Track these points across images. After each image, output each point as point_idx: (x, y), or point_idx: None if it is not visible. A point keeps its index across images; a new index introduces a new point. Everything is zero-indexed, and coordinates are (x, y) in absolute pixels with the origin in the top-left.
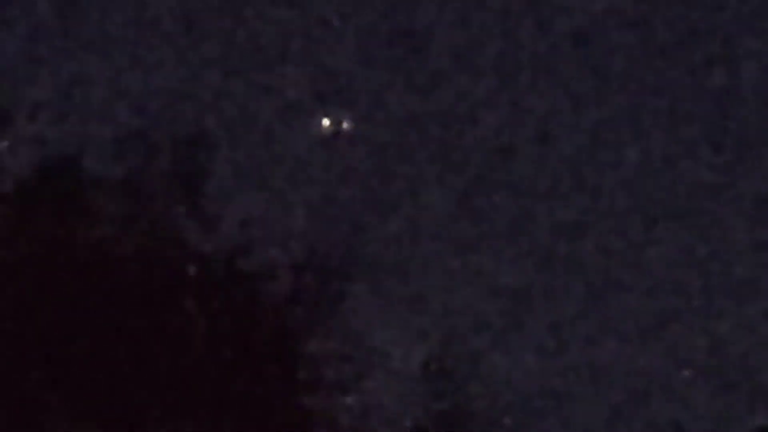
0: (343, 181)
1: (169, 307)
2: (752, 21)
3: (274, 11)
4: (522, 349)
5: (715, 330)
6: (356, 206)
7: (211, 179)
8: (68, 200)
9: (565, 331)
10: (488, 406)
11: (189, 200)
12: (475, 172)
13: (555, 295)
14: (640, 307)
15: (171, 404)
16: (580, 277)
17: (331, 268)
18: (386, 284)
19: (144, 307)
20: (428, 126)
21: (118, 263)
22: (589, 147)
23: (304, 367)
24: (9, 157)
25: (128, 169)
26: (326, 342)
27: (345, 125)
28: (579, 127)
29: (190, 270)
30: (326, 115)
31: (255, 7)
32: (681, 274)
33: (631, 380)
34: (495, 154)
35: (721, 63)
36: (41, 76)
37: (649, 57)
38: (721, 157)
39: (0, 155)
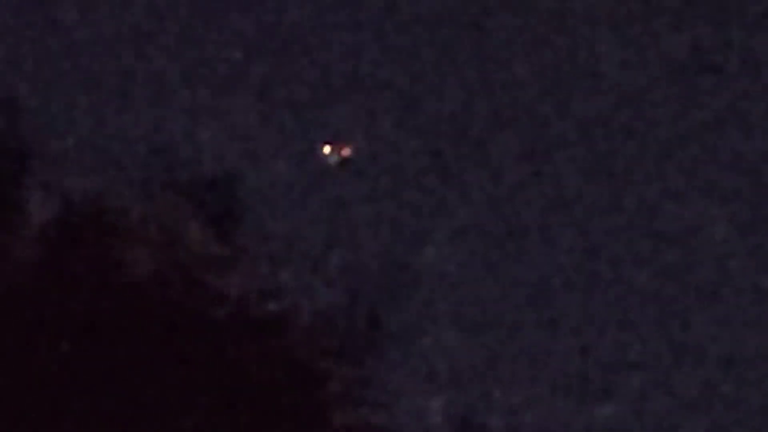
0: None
1: (192, 342)
2: None
3: None
4: None
5: None
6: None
7: (229, 214)
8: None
9: None
10: None
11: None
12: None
13: None
14: None
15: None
16: None
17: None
18: (410, 323)
19: (168, 343)
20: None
21: (145, 301)
22: None
23: (325, 408)
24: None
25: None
26: (350, 384)
27: (346, 152)
28: None
29: (216, 309)
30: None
31: None
32: None
33: None
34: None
35: None
36: None
37: None
38: None
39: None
